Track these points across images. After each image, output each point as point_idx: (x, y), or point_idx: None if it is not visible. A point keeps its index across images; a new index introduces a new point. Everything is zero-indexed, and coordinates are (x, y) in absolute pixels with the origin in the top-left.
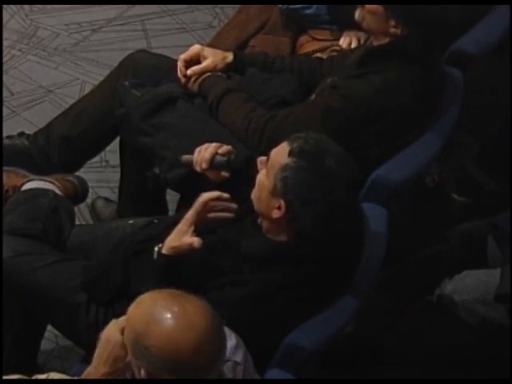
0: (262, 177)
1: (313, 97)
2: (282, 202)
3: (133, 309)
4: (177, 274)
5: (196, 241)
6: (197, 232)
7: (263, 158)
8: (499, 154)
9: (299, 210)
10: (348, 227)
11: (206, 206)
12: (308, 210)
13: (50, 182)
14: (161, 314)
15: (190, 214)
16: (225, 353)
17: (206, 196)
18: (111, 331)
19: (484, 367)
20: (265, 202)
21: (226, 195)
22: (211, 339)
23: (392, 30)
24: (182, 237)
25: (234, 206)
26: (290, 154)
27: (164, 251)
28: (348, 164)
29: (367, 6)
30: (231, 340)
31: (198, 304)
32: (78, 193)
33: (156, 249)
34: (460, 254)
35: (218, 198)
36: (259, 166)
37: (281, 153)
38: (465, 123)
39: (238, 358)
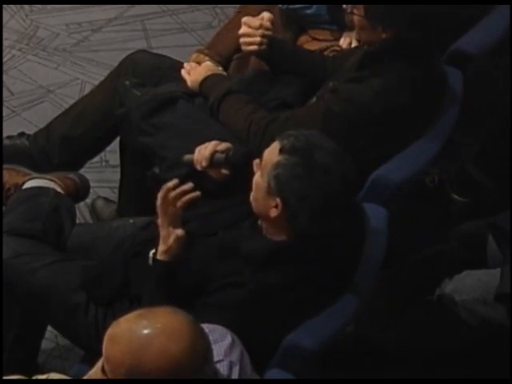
0: (257, 178)
1: (314, 100)
2: (278, 200)
3: (111, 347)
4: (177, 277)
5: (178, 232)
6: (197, 234)
7: (257, 160)
8: (499, 154)
9: (295, 207)
10: (347, 225)
11: (167, 200)
12: (304, 206)
13: (51, 180)
14: (144, 340)
15: (160, 219)
16: (209, 342)
17: (161, 192)
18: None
19: (484, 367)
20: (262, 203)
21: (175, 182)
22: (195, 336)
23: (383, 36)
24: (166, 241)
25: (191, 184)
26: (281, 151)
27: (158, 257)
28: (341, 158)
29: (358, 24)
30: (226, 339)
31: (166, 312)
32: (80, 191)
33: (151, 255)
34: (460, 253)
35: (175, 187)
36: (255, 168)
37: (272, 151)
38: (465, 123)
39: (234, 357)
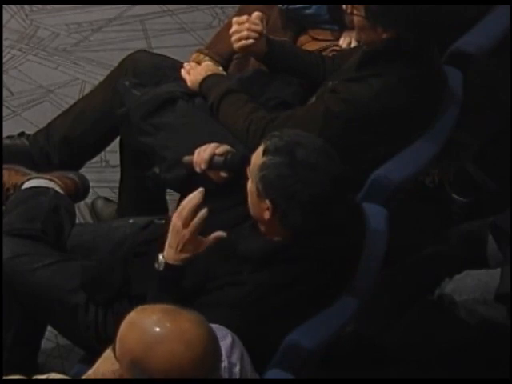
0: (249, 183)
1: (313, 99)
2: (268, 202)
3: (127, 331)
4: (180, 279)
5: (220, 233)
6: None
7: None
8: (499, 154)
9: (285, 206)
10: (346, 224)
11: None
12: (293, 205)
13: (50, 179)
14: (159, 337)
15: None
16: (220, 359)
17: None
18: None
19: (484, 367)
20: (256, 207)
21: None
22: (209, 352)
23: (384, 36)
24: (197, 248)
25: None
26: (265, 152)
27: (171, 262)
28: (325, 154)
29: (358, 24)
30: (227, 339)
31: (192, 319)
32: (79, 190)
33: (161, 259)
34: (460, 253)
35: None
36: (248, 174)
37: (258, 154)
38: (465, 123)
39: (234, 357)
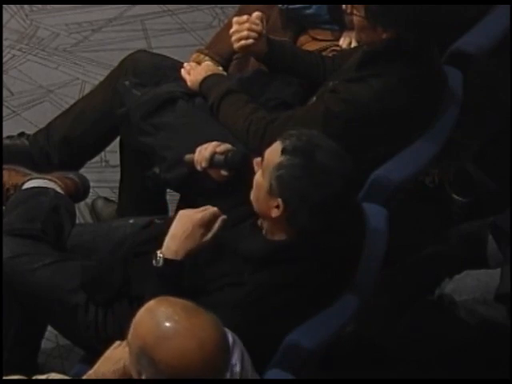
0: (258, 177)
1: (313, 100)
2: (280, 201)
3: (144, 317)
4: (179, 277)
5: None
6: None
7: (258, 158)
8: (499, 154)
9: (296, 207)
10: (347, 224)
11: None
12: (305, 206)
13: (50, 180)
14: (172, 331)
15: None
16: (228, 363)
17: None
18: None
19: (484, 367)
20: (263, 203)
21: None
22: (218, 355)
23: (384, 36)
24: (198, 235)
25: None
26: (283, 152)
27: (171, 256)
28: (341, 158)
29: (358, 24)
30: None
31: (207, 320)
32: (79, 190)
33: (160, 255)
34: (460, 253)
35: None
36: (255, 167)
37: (274, 152)
38: (465, 123)
39: (235, 357)
